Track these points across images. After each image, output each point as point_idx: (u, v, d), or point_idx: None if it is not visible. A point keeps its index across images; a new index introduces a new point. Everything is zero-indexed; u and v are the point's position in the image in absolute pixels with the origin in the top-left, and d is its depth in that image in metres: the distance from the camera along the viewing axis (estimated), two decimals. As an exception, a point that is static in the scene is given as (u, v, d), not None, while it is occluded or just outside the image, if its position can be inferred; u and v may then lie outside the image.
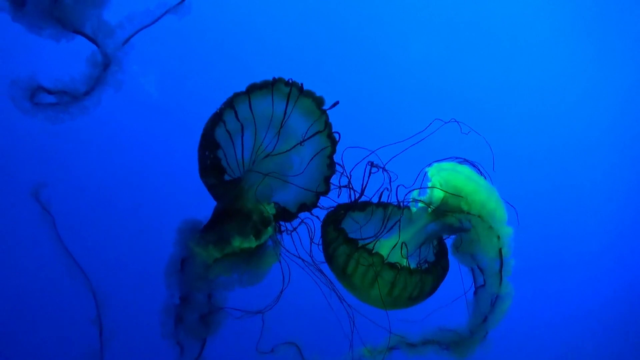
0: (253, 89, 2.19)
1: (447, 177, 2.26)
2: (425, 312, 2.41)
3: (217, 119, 2.17)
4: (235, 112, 2.18)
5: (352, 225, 2.37)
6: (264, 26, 3.80)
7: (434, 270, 2.21)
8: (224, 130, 2.18)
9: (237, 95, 2.19)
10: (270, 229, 2.17)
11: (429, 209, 2.28)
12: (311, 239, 2.32)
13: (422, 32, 4.39)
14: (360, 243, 2.18)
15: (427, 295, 2.25)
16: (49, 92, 1.95)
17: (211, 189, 2.19)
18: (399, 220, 2.32)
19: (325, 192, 2.31)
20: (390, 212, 2.36)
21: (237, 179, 2.20)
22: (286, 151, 2.26)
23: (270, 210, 2.18)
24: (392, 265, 2.13)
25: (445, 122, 2.32)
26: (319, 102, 2.23)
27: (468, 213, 2.23)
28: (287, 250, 2.31)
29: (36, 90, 1.97)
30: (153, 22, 2.07)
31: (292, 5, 3.93)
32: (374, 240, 2.30)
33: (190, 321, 2.22)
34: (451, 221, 2.25)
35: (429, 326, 2.50)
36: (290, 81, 2.20)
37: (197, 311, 2.22)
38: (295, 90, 2.20)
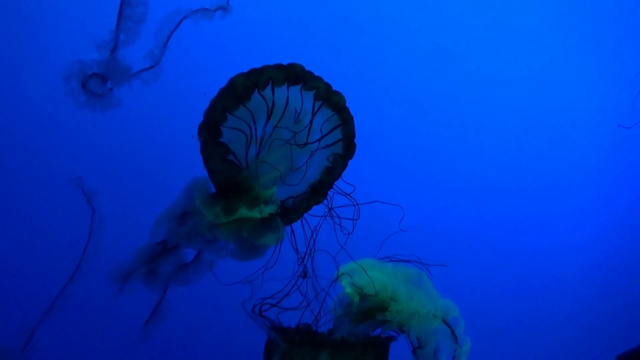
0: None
1: (359, 279, 2.27)
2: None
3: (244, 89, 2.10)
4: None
5: None
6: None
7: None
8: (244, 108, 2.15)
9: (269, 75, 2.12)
10: (274, 206, 2.16)
11: (352, 312, 2.28)
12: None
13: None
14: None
15: None
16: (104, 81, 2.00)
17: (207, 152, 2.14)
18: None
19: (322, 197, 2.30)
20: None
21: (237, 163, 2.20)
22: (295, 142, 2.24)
23: (273, 195, 2.19)
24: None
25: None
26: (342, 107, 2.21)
27: (395, 309, 2.25)
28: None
29: (91, 78, 2.02)
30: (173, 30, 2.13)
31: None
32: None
33: (163, 269, 2.20)
34: (380, 318, 2.28)
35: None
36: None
37: (175, 261, 2.21)
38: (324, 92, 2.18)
